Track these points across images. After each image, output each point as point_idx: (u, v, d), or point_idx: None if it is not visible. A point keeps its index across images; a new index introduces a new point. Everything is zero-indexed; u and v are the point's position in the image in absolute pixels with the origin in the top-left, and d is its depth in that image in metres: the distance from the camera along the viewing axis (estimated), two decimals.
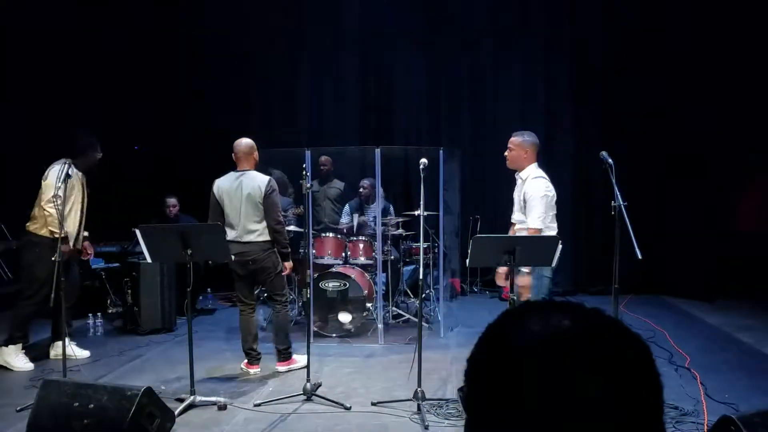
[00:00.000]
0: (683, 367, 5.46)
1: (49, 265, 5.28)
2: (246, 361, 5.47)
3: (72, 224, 5.60)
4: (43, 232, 5.45)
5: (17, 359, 5.50)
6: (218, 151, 6.29)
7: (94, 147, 5.75)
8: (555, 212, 4.72)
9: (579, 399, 0.73)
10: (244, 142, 5.39)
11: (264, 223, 5.27)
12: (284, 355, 5.52)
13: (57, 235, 5.28)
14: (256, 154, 5.43)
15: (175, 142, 9.12)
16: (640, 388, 0.75)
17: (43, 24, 7.82)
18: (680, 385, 4.94)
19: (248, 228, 5.26)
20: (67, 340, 5.49)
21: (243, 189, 5.26)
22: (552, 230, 4.69)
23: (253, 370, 5.44)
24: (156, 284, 6.79)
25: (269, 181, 5.29)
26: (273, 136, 8.75)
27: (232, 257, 5.08)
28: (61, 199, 5.28)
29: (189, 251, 4.57)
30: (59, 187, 5.24)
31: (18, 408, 4.48)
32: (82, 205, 5.73)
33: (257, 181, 5.29)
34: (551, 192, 4.69)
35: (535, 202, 4.62)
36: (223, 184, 5.35)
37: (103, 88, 8.46)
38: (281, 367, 5.50)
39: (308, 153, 6.12)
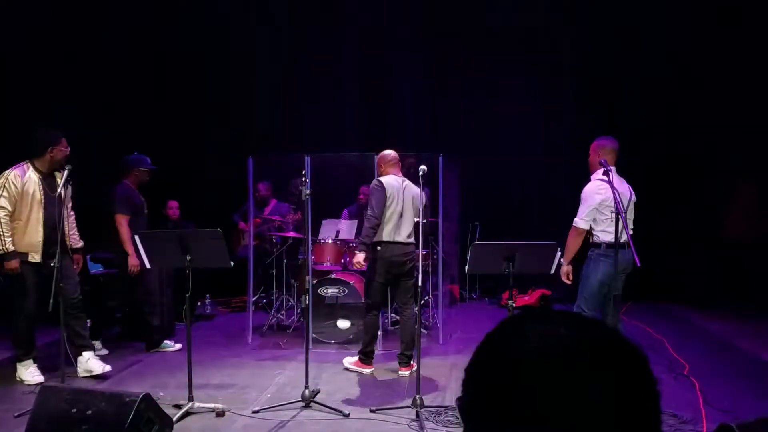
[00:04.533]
0: (682, 374, 5.45)
1: (21, 276, 5.15)
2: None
3: (33, 237, 5.17)
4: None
5: (27, 373, 5.32)
6: (218, 157, 6.29)
7: (57, 142, 5.26)
8: (608, 217, 4.74)
9: (577, 408, 0.73)
10: (393, 152, 5.70)
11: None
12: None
13: (1, 251, 5.08)
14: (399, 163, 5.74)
15: (174, 147, 9.12)
16: (638, 396, 0.75)
17: (40, 23, 7.83)
18: (679, 392, 4.94)
19: (410, 230, 5.54)
20: (90, 353, 5.49)
21: (408, 193, 5.52)
22: (606, 234, 4.76)
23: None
24: (155, 290, 6.76)
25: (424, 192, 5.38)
26: (273, 142, 8.78)
27: (392, 260, 5.43)
28: (5, 210, 5.06)
29: (188, 257, 4.57)
30: (2, 198, 5.05)
31: (16, 414, 4.46)
32: (48, 213, 5.21)
33: (416, 189, 5.49)
34: (601, 195, 4.75)
35: (582, 201, 4.82)
36: (393, 184, 5.50)
37: (102, 93, 8.46)
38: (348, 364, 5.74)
39: (308, 159, 6.13)
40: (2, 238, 5.05)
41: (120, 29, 8.59)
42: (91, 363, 5.42)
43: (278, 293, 7.53)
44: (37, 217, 5.21)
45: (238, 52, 9.28)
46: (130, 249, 5.91)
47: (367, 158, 6.71)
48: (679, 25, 8.37)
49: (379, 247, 5.46)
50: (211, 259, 4.96)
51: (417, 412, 4.47)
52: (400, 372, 5.59)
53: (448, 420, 4.45)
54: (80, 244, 5.72)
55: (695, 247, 8.32)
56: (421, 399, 4.55)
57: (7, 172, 5.18)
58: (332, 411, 4.63)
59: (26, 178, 5.16)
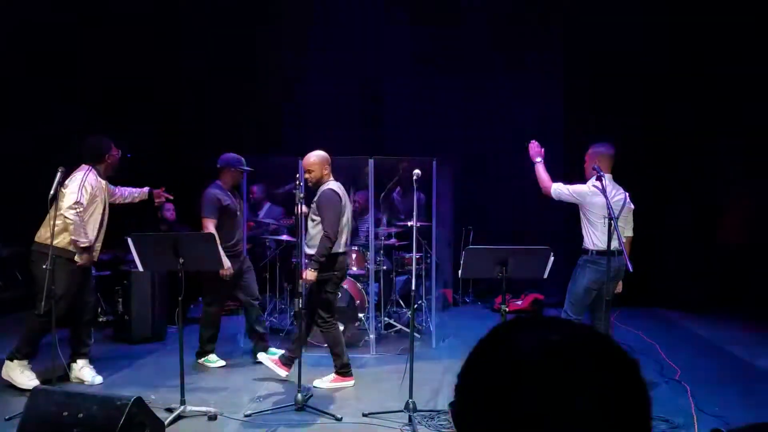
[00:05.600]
0: (674, 379, 5.47)
1: (66, 279, 5.07)
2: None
3: (90, 234, 5.21)
4: (60, 242, 5.01)
5: (22, 376, 5.15)
6: (212, 161, 6.27)
7: (110, 147, 5.41)
8: (600, 222, 4.82)
9: (574, 410, 0.73)
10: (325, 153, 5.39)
11: None
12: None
13: (83, 244, 5.07)
14: None
15: (172, 148, 9.11)
16: (629, 403, 0.76)
17: (40, 22, 7.82)
18: (671, 397, 4.95)
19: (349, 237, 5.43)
20: (85, 361, 5.44)
21: (347, 198, 5.39)
22: (596, 239, 4.88)
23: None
24: (147, 293, 6.75)
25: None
26: (265, 145, 8.76)
27: (344, 269, 5.27)
28: (82, 207, 5.05)
29: (181, 260, 4.56)
30: (82, 195, 5.06)
31: (6, 417, 4.44)
32: (103, 216, 5.36)
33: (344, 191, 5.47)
34: (592, 197, 4.86)
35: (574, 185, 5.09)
36: (341, 192, 5.27)
37: (101, 94, 8.43)
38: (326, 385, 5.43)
39: (302, 162, 6.12)
40: (85, 231, 5.08)
41: (119, 29, 8.57)
42: (83, 372, 5.38)
43: (271, 296, 7.52)
44: (97, 218, 5.30)
45: (236, 53, 9.27)
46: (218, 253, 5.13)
47: (362, 162, 6.72)
48: (679, 24, 8.38)
49: (336, 258, 5.18)
50: (204, 263, 4.95)
51: (410, 416, 4.48)
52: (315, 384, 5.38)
53: (441, 424, 4.45)
54: (146, 189, 5.90)
55: (689, 252, 8.34)
56: (414, 403, 4.55)
57: (82, 172, 5.20)
58: (325, 415, 4.63)
59: (97, 181, 5.27)
